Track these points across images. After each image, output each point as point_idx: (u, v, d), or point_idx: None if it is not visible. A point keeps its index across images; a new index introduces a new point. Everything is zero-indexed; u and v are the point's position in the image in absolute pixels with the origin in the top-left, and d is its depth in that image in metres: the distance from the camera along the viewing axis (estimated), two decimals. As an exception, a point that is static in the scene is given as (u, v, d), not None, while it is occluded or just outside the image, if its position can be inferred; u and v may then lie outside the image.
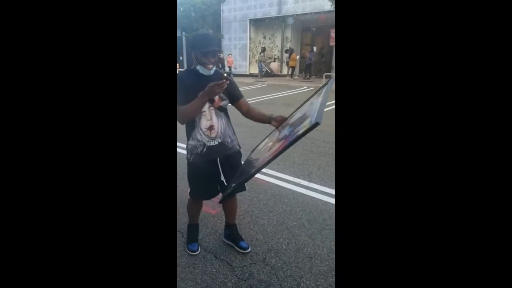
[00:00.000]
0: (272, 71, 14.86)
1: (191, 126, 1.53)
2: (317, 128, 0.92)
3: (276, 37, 14.97)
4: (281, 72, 14.86)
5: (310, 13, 12.68)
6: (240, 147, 1.67)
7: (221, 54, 14.47)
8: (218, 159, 1.59)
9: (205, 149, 1.52)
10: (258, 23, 14.71)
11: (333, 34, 10.94)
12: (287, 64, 13.71)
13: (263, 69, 14.30)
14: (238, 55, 14.98)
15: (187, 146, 1.58)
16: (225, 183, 1.61)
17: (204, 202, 2.01)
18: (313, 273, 1.62)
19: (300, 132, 1.00)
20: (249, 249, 1.80)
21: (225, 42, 15.43)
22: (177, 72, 1.50)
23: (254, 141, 2.87)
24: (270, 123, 1.53)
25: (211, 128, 1.51)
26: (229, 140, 1.58)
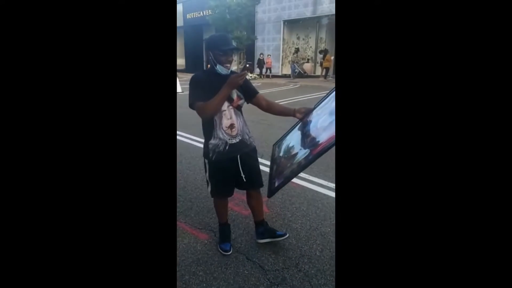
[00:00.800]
0: (305, 72, 14.67)
1: (211, 126, 1.57)
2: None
3: (310, 38, 14.75)
4: (314, 73, 14.61)
5: (347, 13, 12.31)
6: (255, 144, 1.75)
7: (261, 55, 14.59)
8: (238, 156, 1.63)
9: (227, 147, 1.58)
10: (292, 24, 14.59)
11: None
12: (321, 65, 13.46)
13: (296, 70, 14.16)
14: (272, 56, 14.98)
15: (207, 146, 1.60)
16: (244, 179, 1.66)
17: (236, 203, 2.01)
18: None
19: None
20: (288, 235, 1.88)
21: (258, 44, 15.48)
22: (196, 72, 1.61)
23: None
24: (294, 115, 1.59)
25: (231, 126, 1.57)
26: (247, 137, 1.65)
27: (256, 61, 14.96)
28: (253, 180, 1.69)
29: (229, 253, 1.80)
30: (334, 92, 1.46)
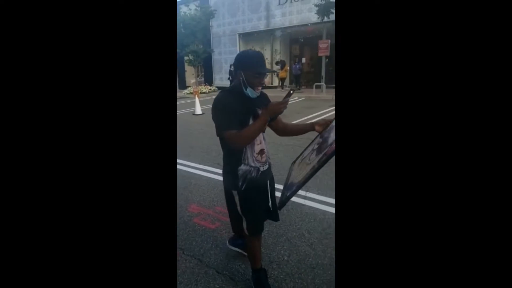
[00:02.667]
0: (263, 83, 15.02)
1: (239, 152, 1.36)
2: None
3: (265, 49, 15.23)
4: (272, 83, 15.06)
5: (298, 26, 12.99)
6: None
7: (231, 67, 14.49)
8: (268, 182, 1.48)
9: (259, 174, 1.40)
10: (247, 37, 14.98)
11: (321, 45, 11.19)
12: (277, 75, 13.92)
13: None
14: (228, 68, 15.14)
15: (235, 173, 1.38)
16: (271, 208, 1.51)
17: (203, 217, 1.96)
18: (316, 283, 1.63)
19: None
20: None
21: (215, 56, 15.63)
22: (219, 93, 1.38)
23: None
24: (313, 129, 1.44)
25: (261, 152, 1.41)
26: (269, 160, 1.50)
27: (228, 73, 14.97)
28: (276, 210, 1.51)
29: None
30: None
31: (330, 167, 1.62)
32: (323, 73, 11.78)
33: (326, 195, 2.67)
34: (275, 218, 1.56)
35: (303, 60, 13.81)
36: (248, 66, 1.29)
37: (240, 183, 1.38)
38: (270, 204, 1.50)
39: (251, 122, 1.32)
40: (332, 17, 9.95)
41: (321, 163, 1.12)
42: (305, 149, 1.59)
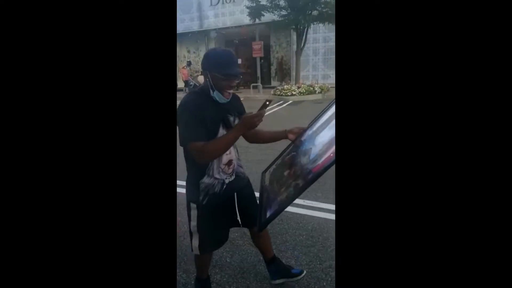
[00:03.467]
0: (200, 84, 14.77)
1: (204, 164, 1.23)
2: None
3: (200, 51, 15.01)
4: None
5: (232, 27, 13.10)
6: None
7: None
8: (235, 194, 1.35)
9: (224, 187, 1.28)
10: (181, 38, 14.54)
11: (255, 47, 11.46)
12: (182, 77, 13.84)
13: (191, 83, 14.15)
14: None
15: (196, 186, 1.24)
16: (239, 221, 1.38)
17: None
18: (259, 279, 1.66)
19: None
20: (304, 272, 1.63)
21: (147, 58, 14.83)
22: (186, 95, 1.23)
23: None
24: (286, 137, 1.35)
25: (229, 163, 1.28)
26: (241, 170, 1.38)
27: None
28: (253, 217, 1.31)
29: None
30: (333, 106, 1.29)
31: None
32: (258, 74, 12.10)
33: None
34: (251, 226, 1.45)
35: (239, 61, 13.98)
36: (215, 66, 1.14)
37: (201, 198, 1.25)
38: (238, 218, 1.38)
39: (220, 131, 1.20)
40: (264, 19, 10.28)
41: (308, 182, 0.99)
42: (277, 158, 1.50)
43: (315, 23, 9.77)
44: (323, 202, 2.49)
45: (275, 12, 9.78)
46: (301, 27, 9.79)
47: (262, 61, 12.17)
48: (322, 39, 12.10)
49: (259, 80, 11.75)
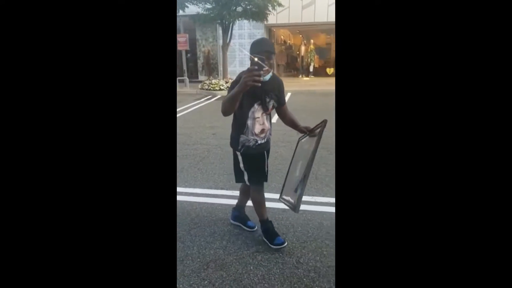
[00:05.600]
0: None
1: (243, 126, 1.67)
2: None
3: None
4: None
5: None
6: None
7: None
8: (265, 152, 1.80)
9: (256, 145, 1.71)
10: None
11: (179, 39, 11.02)
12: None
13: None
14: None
15: (237, 138, 1.71)
16: (266, 173, 1.83)
17: None
18: (186, 274, 1.64)
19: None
20: (285, 244, 1.85)
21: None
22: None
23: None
24: (296, 129, 1.82)
25: (262, 131, 1.71)
26: (270, 137, 1.81)
27: None
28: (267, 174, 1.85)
29: (285, 244, 1.82)
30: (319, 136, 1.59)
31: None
32: (184, 67, 11.72)
33: (193, 187, 2.71)
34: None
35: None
36: (254, 47, 1.53)
37: (240, 147, 1.72)
38: (266, 170, 1.83)
39: (256, 106, 1.63)
40: (188, 10, 9.96)
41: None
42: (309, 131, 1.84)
43: (240, 19, 9.90)
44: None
45: (200, 5, 9.57)
46: (226, 22, 9.81)
47: (188, 55, 11.80)
48: (247, 35, 12.37)
49: (185, 74, 11.39)
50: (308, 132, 1.74)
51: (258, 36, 12.07)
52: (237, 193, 2.18)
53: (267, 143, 1.80)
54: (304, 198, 1.74)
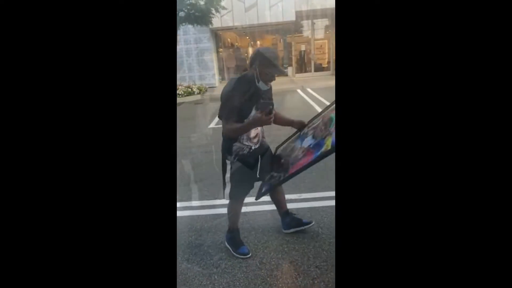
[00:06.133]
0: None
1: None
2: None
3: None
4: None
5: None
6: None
7: None
8: (259, 157, 1.75)
9: (250, 151, 1.68)
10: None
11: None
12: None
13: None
14: None
15: (229, 147, 1.65)
16: (257, 175, 1.74)
17: None
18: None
19: (322, 150, 1.30)
20: (313, 222, 1.98)
21: None
22: (230, 80, 1.58)
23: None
24: (292, 126, 1.82)
25: (256, 136, 1.68)
26: (264, 140, 1.79)
27: None
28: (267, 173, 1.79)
29: (249, 255, 1.80)
30: (327, 111, 1.64)
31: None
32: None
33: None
34: (257, 197, 1.80)
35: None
36: (266, 63, 1.48)
37: (233, 156, 1.66)
38: (257, 172, 1.77)
39: (253, 111, 1.55)
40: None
41: (283, 181, 1.51)
42: (284, 142, 1.93)
43: (183, 24, 9.72)
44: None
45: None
46: (170, 28, 9.56)
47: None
48: (193, 40, 12.18)
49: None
50: (304, 127, 1.78)
51: (205, 41, 11.95)
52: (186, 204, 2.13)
53: (261, 147, 1.77)
54: (263, 198, 1.78)
